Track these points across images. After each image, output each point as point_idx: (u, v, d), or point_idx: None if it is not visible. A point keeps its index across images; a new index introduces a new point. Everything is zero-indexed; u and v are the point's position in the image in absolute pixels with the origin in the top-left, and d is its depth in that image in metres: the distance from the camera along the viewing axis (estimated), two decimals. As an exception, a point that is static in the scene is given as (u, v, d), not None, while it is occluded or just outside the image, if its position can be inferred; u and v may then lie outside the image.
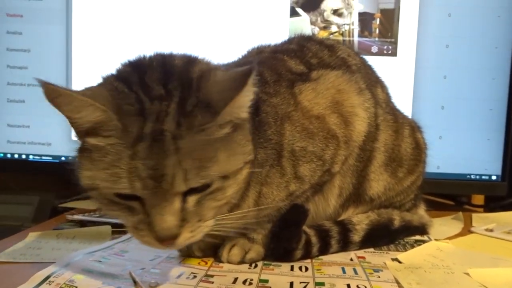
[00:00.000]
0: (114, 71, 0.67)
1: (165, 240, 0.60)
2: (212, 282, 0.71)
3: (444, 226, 1.10)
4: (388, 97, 1.01)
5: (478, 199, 1.47)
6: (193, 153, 0.58)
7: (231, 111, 0.61)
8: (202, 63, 0.69)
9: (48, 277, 0.68)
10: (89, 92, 0.61)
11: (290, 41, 0.95)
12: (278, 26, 1.29)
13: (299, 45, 0.91)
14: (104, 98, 0.59)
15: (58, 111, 0.61)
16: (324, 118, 0.82)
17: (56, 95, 0.58)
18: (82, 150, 0.63)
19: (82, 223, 1.06)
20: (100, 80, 0.67)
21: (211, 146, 0.60)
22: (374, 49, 1.30)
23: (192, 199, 0.61)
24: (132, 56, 0.69)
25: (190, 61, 0.67)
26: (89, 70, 1.31)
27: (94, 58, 1.30)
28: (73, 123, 0.62)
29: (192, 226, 0.61)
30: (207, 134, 0.60)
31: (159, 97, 0.60)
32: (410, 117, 1.14)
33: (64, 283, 0.67)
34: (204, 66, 0.68)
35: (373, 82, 0.96)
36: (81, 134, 0.62)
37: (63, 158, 1.33)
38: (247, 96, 0.63)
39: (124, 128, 0.58)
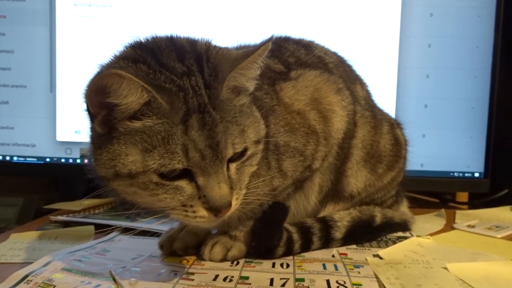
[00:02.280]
0: (119, 56, 0.66)
1: (222, 209, 0.63)
2: (193, 280, 0.71)
3: (426, 223, 1.11)
4: (368, 94, 1.02)
5: (462, 196, 1.48)
6: (233, 119, 0.63)
7: (236, 77, 0.65)
8: (201, 40, 0.71)
9: (26, 276, 0.68)
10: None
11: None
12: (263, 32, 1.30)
13: (276, 45, 0.92)
14: (143, 80, 0.59)
15: (101, 100, 0.60)
16: (304, 114, 0.83)
17: (119, 82, 0.58)
18: (113, 138, 0.62)
19: (66, 224, 1.06)
20: (97, 68, 0.65)
21: (241, 113, 0.66)
22: (357, 55, 1.31)
23: (233, 167, 0.66)
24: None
25: (192, 39, 0.70)
26: (73, 71, 1.30)
27: (79, 59, 1.30)
28: (117, 111, 0.61)
29: (237, 194, 0.66)
30: (232, 103, 0.65)
31: (185, 74, 0.63)
32: (393, 115, 1.16)
33: (43, 282, 0.67)
34: (204, 42, 0.70)
35: (351, 80, 0.97)
36: (118, 120, 0.61)
37: (47, 160, 1.33)
38: (254, 66, 0.66)
39: (171, 105, 0.60)
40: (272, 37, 0.67)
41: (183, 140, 0.60)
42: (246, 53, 0.66)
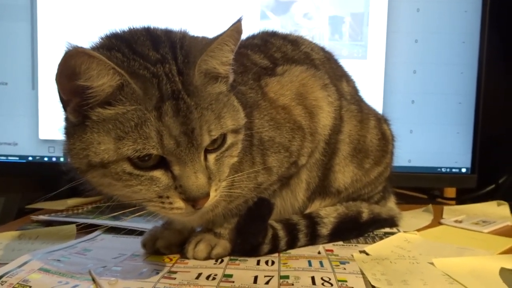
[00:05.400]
0: (94, 46, 0.65)
1: (199, 199, 0.61)
2: (175, 278, 0.69)
3: (414, 218, 1.10)
4: (354, 90, 1.01)
5: (450, 192, 1.49)
6: (208, 106, 0.62)
7: (207, 60, 0.64)
8: (178, 30, 0.70)
9: (1, 277, 0.66)
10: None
11: (254, 36, 0.95)
12: (249, 30, 1.28)
13: (262, 40, 0.91)
14: (114, 63, 0.58)
15: (72, 83, 0.59)
16: (290, 109, 0.82)
17: (88, 61, 0.57)
18: (86, 127, 0.60)
19: (48, 224, 1.03)
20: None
21: (218, 101, 0.64)
22: (345, 52, 1.30)
23: (212, 157, 0.65)
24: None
25: (168, 30, 0.69)
26: (55, 68, 1.27)
27: (61, 56, 1.27)
28: (89, 95, 0.59)
29: (216, 185, 0.65)
30: (207, 89, 0.63)
31: (159, 61, 0.62)
32: (380, 111, 1.15)
33: (18, 283, 0.65)
34: (180, 32, 0.69)
35: (338, 76, 0.96)
36: (92, 107, 0.60)
37: (30, 158, 1.30)
38: (224, 48, 0.65)
39: (144, 91, 0.59)
40: (241, 18, 0.65)
41: (157, 126, 0.58)
42: (216, 36, 0.65)
